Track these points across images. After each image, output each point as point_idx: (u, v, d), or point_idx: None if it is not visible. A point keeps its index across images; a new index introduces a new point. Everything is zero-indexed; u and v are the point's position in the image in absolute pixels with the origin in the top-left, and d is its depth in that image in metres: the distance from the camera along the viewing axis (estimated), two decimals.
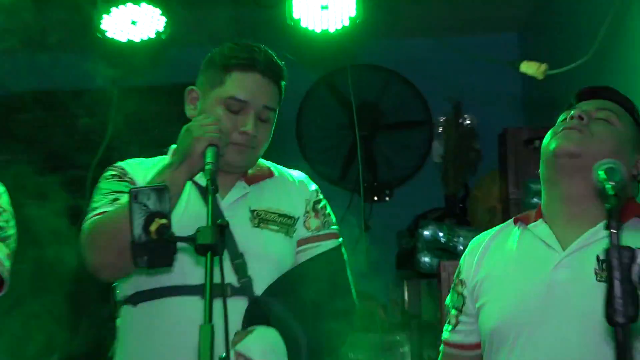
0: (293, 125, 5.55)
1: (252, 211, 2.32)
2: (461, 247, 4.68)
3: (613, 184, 1.57)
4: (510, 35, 5.55)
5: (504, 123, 4.77)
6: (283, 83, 2.38)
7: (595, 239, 1.97)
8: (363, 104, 5.42)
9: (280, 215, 2.34)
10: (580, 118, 2.05)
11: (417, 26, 4.12)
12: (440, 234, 4.78)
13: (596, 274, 1.94)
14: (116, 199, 2.21)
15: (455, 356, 2.21)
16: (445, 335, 2.23)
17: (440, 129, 5.29)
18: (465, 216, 5.15)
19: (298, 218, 2.37)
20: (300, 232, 2.36)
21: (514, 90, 5.24)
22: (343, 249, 2.42)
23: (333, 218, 2.45)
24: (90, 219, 2.22)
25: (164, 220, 1.73)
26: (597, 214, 1.97)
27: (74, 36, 4.11)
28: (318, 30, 3.52)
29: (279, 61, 2.37)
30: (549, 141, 2.07)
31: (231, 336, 1.99)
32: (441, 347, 2.25)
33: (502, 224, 2.23)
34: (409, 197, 5.48)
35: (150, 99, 5.46)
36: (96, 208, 2.24)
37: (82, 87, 4.93)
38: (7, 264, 2.27)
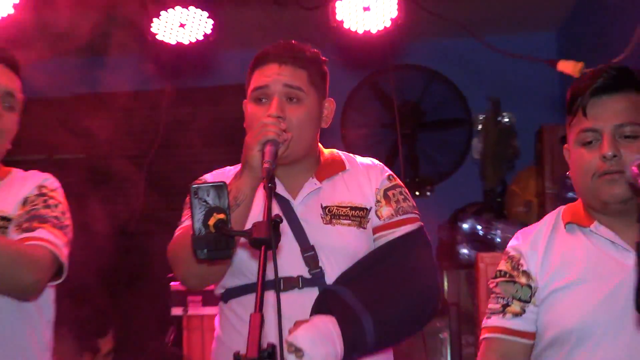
0: (338, 125, 5.58)
1: (324, 208, 2.34)
2: (498, 240, 4.72)
3: None
4: (548, 35, 5.54)
5: (541, 120, 4.80)
6: (316, 69, 2.36)
7: None
8: (405, 104, 5.47)
9: (352, 208, 2.35)
10: (615, 156, 2.10)
11: (458, 26, 4.12)
12: (479, 227, 4.84)
13: None
14: None
15: (512, 343, 2.16)
16: (498, 322, 2.18)
17: (480, 127, 5.33)
18: (503, 210, 5.19)
19: (370, 208, 2.37)
20: (374, 221, 2.37)
21: (551, 89, 5.23)
22: (423, 232, 2.39)
23: (409, 203, 2.41)
24: (176, 233, 2.32)
25: (221, 215, 1.76)
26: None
27: (126, 40, 4.18)
28: (361, 32, 3.50)
29: (308, 49, 2.37)
30: (591, 185, 2.12)
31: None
32: (487, 335, 2.20)
33: (545, 221, 2.24)
34: (449, 192, 5.50)
35: (199, 100, 5.58)
36: (182, 222, 2.34)
37: (136, 89, 5.06)
38: (65, 251, 2.38)
